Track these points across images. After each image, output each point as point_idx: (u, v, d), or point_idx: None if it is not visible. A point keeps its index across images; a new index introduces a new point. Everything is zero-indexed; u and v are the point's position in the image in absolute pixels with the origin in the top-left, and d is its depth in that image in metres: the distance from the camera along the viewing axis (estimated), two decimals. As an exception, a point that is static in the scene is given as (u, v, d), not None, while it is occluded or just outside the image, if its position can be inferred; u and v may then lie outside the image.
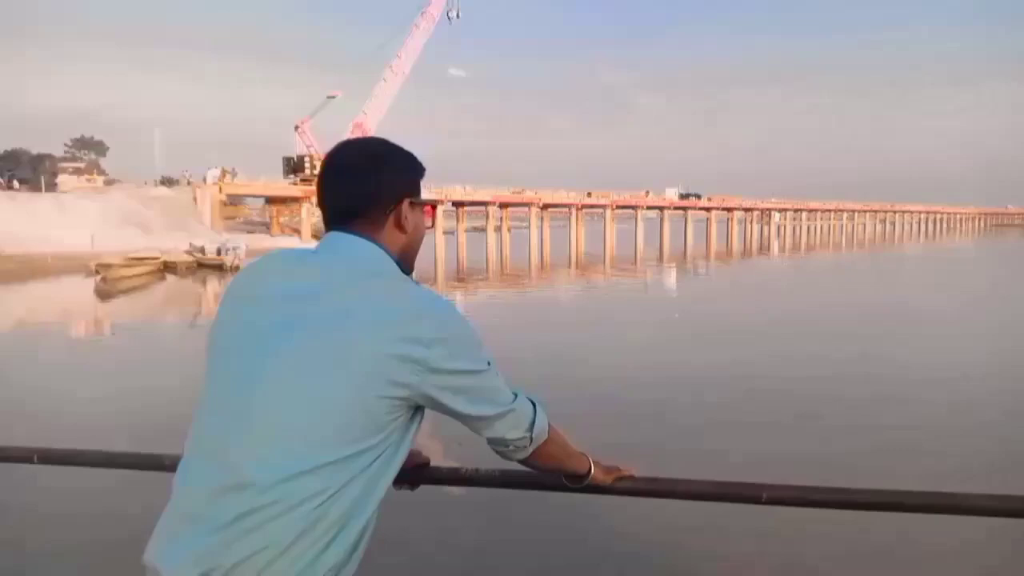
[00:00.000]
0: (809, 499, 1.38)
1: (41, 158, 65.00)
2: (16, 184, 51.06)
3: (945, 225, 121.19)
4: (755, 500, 1.41)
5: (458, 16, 57.83)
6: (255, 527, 1.02)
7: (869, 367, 13.82)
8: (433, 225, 1.43)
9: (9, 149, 64.58)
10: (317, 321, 1.09)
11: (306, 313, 1.10)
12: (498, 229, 54.23)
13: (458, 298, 28.18)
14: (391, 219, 1.24)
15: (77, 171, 55.19)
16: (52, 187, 49.83)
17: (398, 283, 1.18)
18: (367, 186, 1.23)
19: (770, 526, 6.01)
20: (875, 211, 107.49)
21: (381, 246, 1.22)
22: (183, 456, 1.15)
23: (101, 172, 56.57)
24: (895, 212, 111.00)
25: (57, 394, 12.19)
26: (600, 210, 65.33)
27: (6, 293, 28.17)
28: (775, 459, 8.25)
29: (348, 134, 57.17)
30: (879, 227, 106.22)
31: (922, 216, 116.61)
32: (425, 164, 1.34)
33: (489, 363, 1.19)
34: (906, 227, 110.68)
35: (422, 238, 1.33)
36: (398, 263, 1.24)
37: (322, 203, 1.26)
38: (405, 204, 1.26)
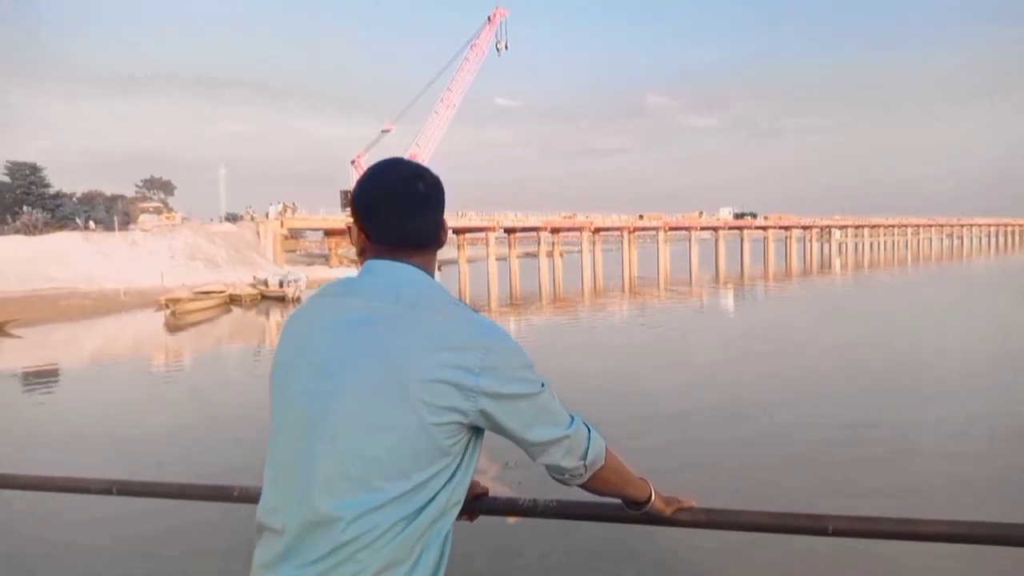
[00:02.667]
0: (876, 530, 1.34)
1: (115, 199, 68.50)
2: (92, 224, 53.83)
3: (1016, 239, 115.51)
4: (821, 532, 1.37)
5: (507, 47, 58.65)
6: (346, 559, 1.07)
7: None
8: (445, 239, 1.45)
9: (86, 191, 68.27)
10: (372, 352, 1.11)
11: (361, 345, 1.12)
12: (550, 254, 54.29)
13: (511, 324, 28.25)
14: (438, 239, 1.29)
15: (157, 210, 58.38)
16: (125, 226, 52.39)
17: (448, 308, 1.17)
18: (430, 223, 1.25)
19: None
20: (941, 225, 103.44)
21: (425, 270, 1.24)
22: (263, 492, 1.20)
23: (170, 210, 59.34)
24: (962, 226, 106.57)
25: (130, 425, 12.67)
26: (652, 232, 64.74)
27: (83, 329, 29.56)
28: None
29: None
30: (945, 242, 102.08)
31: (991, 230, 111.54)
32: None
33: (543, 384, 1.19)
34: (974, 241, 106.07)
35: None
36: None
37: (367, 228, 1.24)
38: (445, 224, 1.31)
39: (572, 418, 1.24)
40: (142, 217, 54.32)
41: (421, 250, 1.24)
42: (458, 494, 1.18)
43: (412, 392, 1.09)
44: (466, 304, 1.21)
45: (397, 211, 1.21)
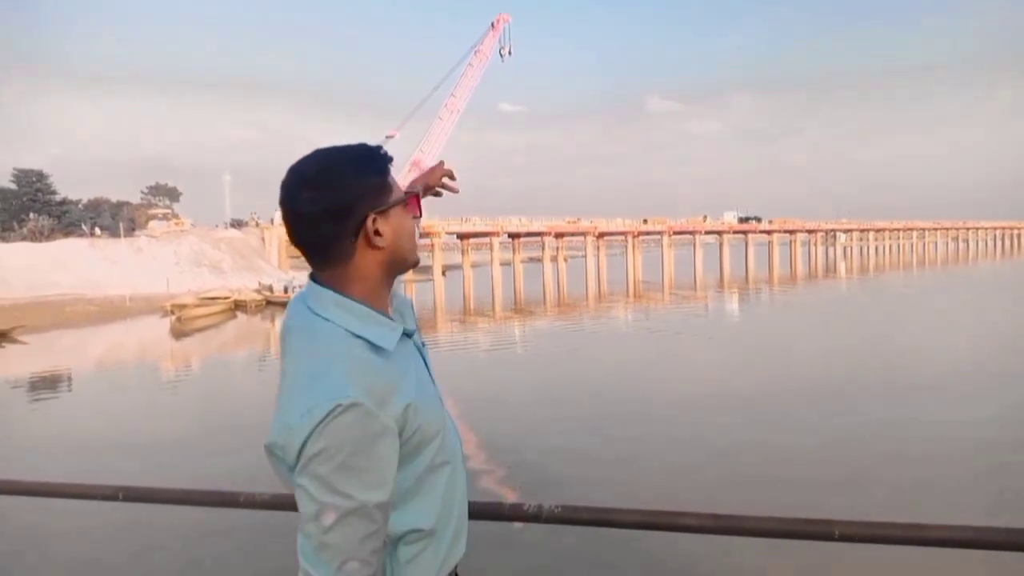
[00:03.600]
0: (882, 535, 1.34)
1: (120, 205, 68.77)
2: (97, 231, 54.04)
3: (1023, 242, 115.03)
4: (827, 537, 1.37)
5: (510, 53, 58.83)
6: None
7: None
8: (420, 213, 1.24)
9: (92, 198, 68.55)
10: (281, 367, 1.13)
11: (281, 356, 1.14)
12: (554, 259, 54.27)
13: (516, 330, 28.24)
14: (359, 245, 1.13)
15: (166, 216, 58.82)
16: (130, 233, 52.62)
17: (307, 350, 1.08)
18: (322, 237, 1.12)
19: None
20: (946, 229, 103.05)
21: (333, 288, 1.13)
22: None
23: (177, 217, 59.68)
24: (967, 229, 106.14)
25: (135, 431, 12.70)
26: (657, 237, 64.68)
27: (88, 335, 29.65)
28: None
29: (406, 172, 58.68)
30: (951, 245, 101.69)
31: (997, 233, 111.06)
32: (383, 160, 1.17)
33: (328, 506, 0.98)
34: (980, 245, 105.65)
35: (412, 234, 1.20)
36: (384, 277, 1.18)
37: None
38: (369, 222, 1.12)
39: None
40: (151, 223, 54.76)
41: (326, 266, 1.14)
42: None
43: None
44: (339, 341, 1.08)
45: (290, 227, 1.13)
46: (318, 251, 1.13)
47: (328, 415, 0.98)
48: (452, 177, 1.56)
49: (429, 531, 1.14)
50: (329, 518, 0.99)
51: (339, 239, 1.12)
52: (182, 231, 51.78)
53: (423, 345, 1.29)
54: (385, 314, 1.17)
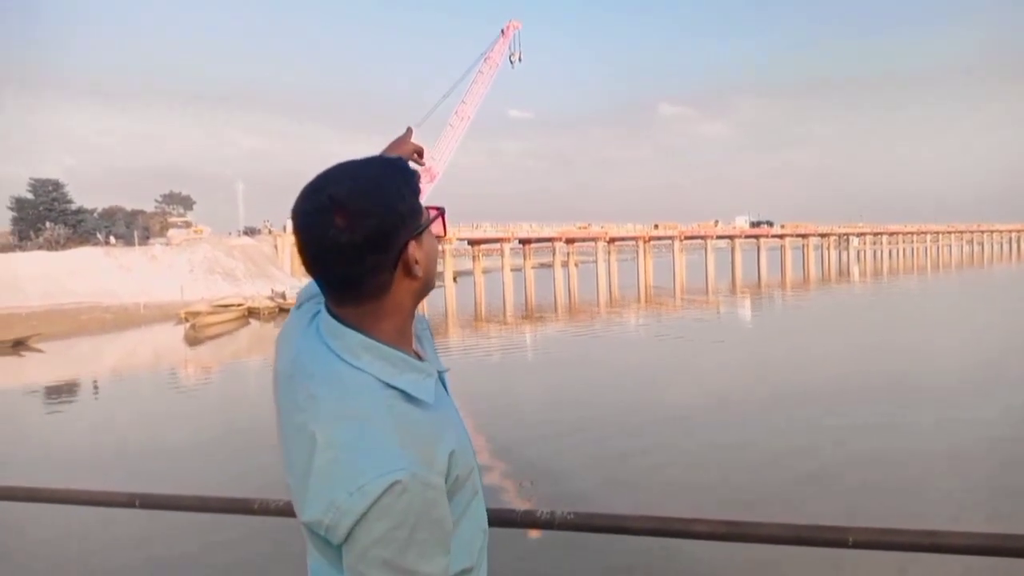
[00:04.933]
0: (897, 542, 1.33)
1: (135, 214, 69.40)
2: (112, 239, 54.60)
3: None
4: (841, 544, 1.36)
5: (520, 60, 58.87)
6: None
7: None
8: (444, 232, 1.08)
9: (107, 207, 69.22)
10: (286, 414, 1.00)
11: (283, 401, 1.02)
12: (565, 264, 54.25)
13: (527, 336, 28.22)
14: (398, 276, 0.99)
15: (185, 224, 59.70)
16: (145, 241, 53.16)
17: (349, 417, 0.93)
18: (355, 270, 0.96)
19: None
20: (960, 232, 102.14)
21: (356, 328, 0.99)
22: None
23: (190, 225, 60.34)
24: (982, 232, 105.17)
25: (151, 438, 12.78)
26: (668, 242, 64.51)
27: (104, 342, 29.91)
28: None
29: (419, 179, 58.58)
30: (966, 248, 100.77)
31: (1012, 235, 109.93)
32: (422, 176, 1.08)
33: None
34: (995, 247, 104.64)
35: (437, 256, 1.08)
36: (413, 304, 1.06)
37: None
38: (411, 247, 0.99)
39: None
40: (171, 231, 55.68)
41: (356, 302, 0.99)
42: None
43: None
44: (375, 396, 0.96)
45: (311, 257, 0.96)
46: (350, 286, 0.98)
47: (384, 493, 0.88)
48: (420, 154, 1.37)
49: (471, 568, 1.07)
50: None
51: (378, 272, 0.97)
52: (201, 238, 52.42)
53: (444, 372, 1.17)
54: (415, 356, 1.05)
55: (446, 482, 0.97)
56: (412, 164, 1.27)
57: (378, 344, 0.99)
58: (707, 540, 1.48)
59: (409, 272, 0.99)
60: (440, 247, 1.09)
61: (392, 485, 0.88)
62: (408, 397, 0.97)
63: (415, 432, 0.94)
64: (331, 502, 0.89)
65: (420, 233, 1.00)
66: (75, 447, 12.50)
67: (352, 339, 0.98)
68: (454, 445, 0.99)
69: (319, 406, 0.95)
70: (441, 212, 1.08)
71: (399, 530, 0.89)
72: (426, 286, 1.04)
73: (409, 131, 1.32)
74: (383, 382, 0.96)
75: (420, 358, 1.07)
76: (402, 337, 1.04)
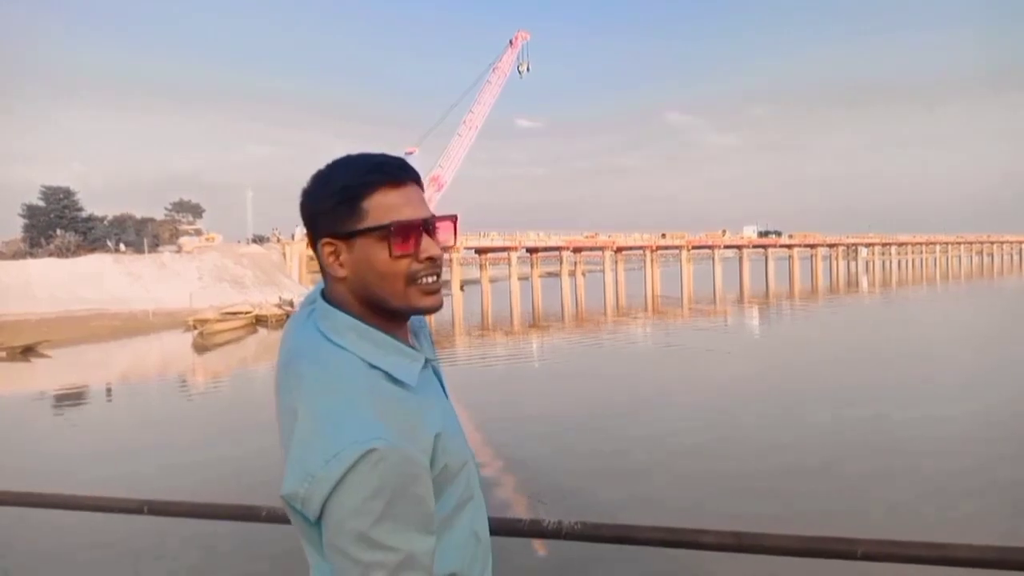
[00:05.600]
0: (906, 555, 1.32)
1: (144, 222, 69.84)
2: (122, 247, 54.96)
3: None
4: (849, 556, 1.36)
5: (528, 69, 59.21)
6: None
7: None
8: (410, 251, 1.01)
9: (117, 215, 69.72)
10: (280, 400, 1.02)
11: (279, 388, 1.03)
12: (572, 274, 54.27)
13: (534, 346, 28.19)
14: (327, 268, 1.04)
15: (197, 232, 60.26)
16: (154, 249, 53.51)
17: (329, 392, 0.95)
18: (315, 246, 1.05)
19: None
20: (970, 243, 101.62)
21: (330, 302, 1.05)
22: None
23: (190, 233, 60.86)
24: (991, 243, 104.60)
25: (159, 445, 12.82)
26: (675, 251, 64.46)
27: (113, 349, 30.06)
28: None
29: (425, 188, 58.70)
30: (975, 259, 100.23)
31: (1022, 247, 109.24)
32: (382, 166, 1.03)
33: (374, 566, 0.89)
34: (1005, 259, 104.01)
35: (386, 275, 1.01)
36: (375, 304, 1.04)
37: None
38: (322, 246, 1.03)
39: None
40: (183, 239, 56.16)
41: (326, 276, 1.05)
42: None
43: None
44: (358, 373, 0.97)
45: None
46: (319, 260, 1.05)
47: (359, 461, 0.87)
48: None
49: (463, 574, 1.04)
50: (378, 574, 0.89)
51: (319, 256, 1.04)
52: (214, 246, 52.87)
53: (439, 367, 1.19)
54: (405, 341, 1.06)
55: (432, 466, 0.96)
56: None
57: (363, 325, 1.01)
58: (715, 551, 1.48)
59: (327, 269, 1.03)
60: (447, 256, 1.08)
61: (368, 453, 0.87)
62: (391, 378, 0.98)
63: (396, 409, 0.95)
64: (306, 471, 0.89)
65: (347, 237, 1.00)
66: (82, 453, 12.54)
67: (338, 319, 1.01)
68: (440, 428, 0.99)
69: (303, 383, 0.97)
70: (405, 226, 1.02)
71: (374, 501, 0.88)
72: (366, 296, 1.02)
73: None
74: (367, 362, 0.98)
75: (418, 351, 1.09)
76: (391, 324, 1.05)
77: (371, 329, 1.01)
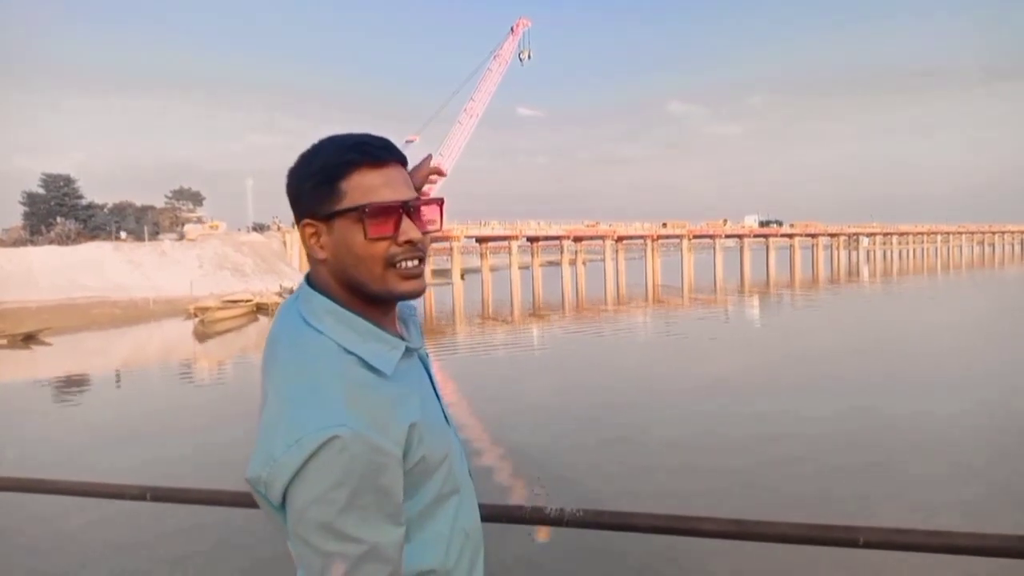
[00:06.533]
0: (907, 542, 1.33)
1: (144, 209, 69.74)
2: (123, 234, 54.93)
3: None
4: (851, 544, 1.36)
5: (529, 57, 58.87)
6: None
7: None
8: (394, 231, 0.98)
9: (117, 202, 69.62)
10: (263, 385, 1.01)
11: (262, 373, 1.02)
12: (573, 263, 54.23)
13: (535, 334, 28.21)
14: (309, 248, 1.02)
15: (200, 220, 60.31)
16: (154, 236, 53.49)
17: (300, 375, 0.93)
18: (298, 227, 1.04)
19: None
20: (971, 233, 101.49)
21: (314, 286, 1.03)
22: None
23: (194, 221, 60.87)
24: (993, 233, 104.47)
25: (160, 432, 12.86)
26: (676, 241, 64.39)
27: (113, 337, 30.10)
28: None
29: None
30: (976, 249, 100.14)
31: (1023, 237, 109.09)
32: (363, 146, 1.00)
33: (336, 556, 0.87)
34: (1006, 248, 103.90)
35: (364, 257, 0.98)
36: (357, 288, 1.01)
37: None
38: (303, 228, 1.01)
39: None
40: (187, 226, 56.16)
41: (309, 258, 1.04)
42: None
43: None
44: (331, 357, 0.95)
45: None
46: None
47: (321, 448, 0.85)
48: (439, 173, 1.30)
49: (442, 570, 1.00)
50: (339, 570, 0.86)
51: (303, 237, 1.02)
52: (214, 234, 52.88)
53: (426, 356, 1.15)
54: (387, 329, 1.02)
55: (407, 457, 0.94)
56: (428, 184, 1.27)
57: (342, 309, 0.99)
58: (716, 538, 1.48)
59: (309, 251, 1.01)
60: (441, 239, 1.03)
61: (331, 440, 0.85)
62: (367, 365, 0.95)
63: (368, 397, 0.92)
64: (269, 455, 0.87)
65: (326, 218, 0.98)
66: (84, 440, 12.58)
67: (317, 303, 1.00)
68: (417, 419, 0.96)
69: (276, 367, 0.96)
70: (381, 209, 0.98)
71: (337, 491, 0.85)
72: (346, 278, 0.99)
73: (429, 157, 1.32)
74: (343, 347, 0.95)
75: (402, 339, 1.05)
76: (373, 308, 1.01)
77: (350, 314, 0.99)
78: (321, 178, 0.98)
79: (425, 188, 1.18)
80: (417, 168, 1.29)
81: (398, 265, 0.99)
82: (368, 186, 0.97)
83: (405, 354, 1.02)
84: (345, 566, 0.86)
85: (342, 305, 0.99)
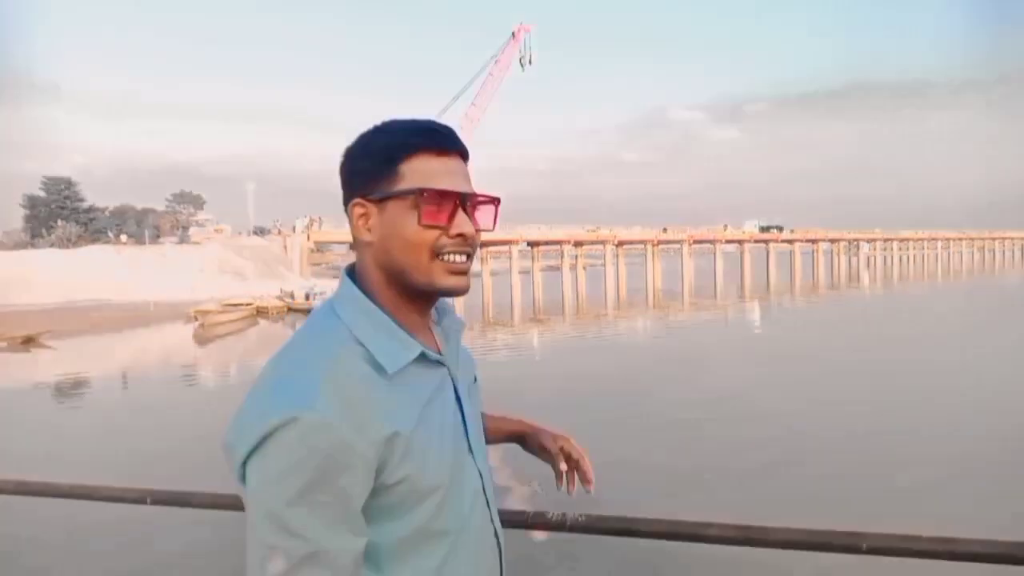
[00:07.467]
0: (914, 549, 1.31)
1: (145, 212, 69.83)
2: (124, 238, 54.98)
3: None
4: (855, 550, 1.35)
5: (530, 62, 59.09)
6: None
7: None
8: (447, 222, 0.94)
9: (118, 205, 69.69)
10: None
11: None
12: (573, 267, 54.25)
13: (535, 339, 28.18)
14: (356, 229, 0.98)
15: (198, 223, 60.66)
16: (155, 240, 53.56)
17: (298, 349, 0.92)
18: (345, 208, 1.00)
19: None
20: (972, 239, 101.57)
21: (350, 275, 1.00)
22: None
23: (199, 224, 60.98)
24: (993, 239, 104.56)
25: (161, 437, 12.83)
26: (676, 246, 64.44)
27: (114, 340, 30.08)
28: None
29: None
30: (976, 256, 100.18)
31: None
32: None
33: (278, 551, 0.80)
34: (1006, 255, 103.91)
35: (411, 244, 0.94)
36: (398, 277, 0.96)
37: None
38: (353, 208, 0.97)
39: None
40: (192, 229, 56.50)
41: (354, 241, 0.99)
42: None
43: None
44: (336, 341, 0.91)
45: None
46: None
47: (281, 427, 0.79)
48: (585, 474, 1.24)
49: None
50: (277, 566, 0.80)
51: (349, 219, 0.98)
52: (218, 238, 53.04)
53: (474, 382, 1.10)
54: (406, 327, 0.96)
55: (384, 470, 0.86)
56: (562, 466, 1.24)
57: (368, 301, 0.95)
58: (719, 544, 1.47)
59: (357, 232, 0.96)
60: (476, 244, 0.96)
61: (293, 420, 0.80)
62: (372, 360, 0.89)
63: (355, 389, 0.85)
64: (238, 423, 0.84)
65: (379, 200, 0.94)
66: (84, 444, 12.56)
67: (347, 289, 0.97)
68: (404, 430, 0.87)
69: (286, 341, 0.94)
70: (436, 195, 0.94)
71: (290, 477, 0.79)
72: (388, 263, 0.95)
73: (566, 439, 1.26)
74: (354, 336, 0.91)
75: (439, 351, 1.01)
76: (407, 301, 0.97)
77: (372, 306, 0.95)
78: (381, 158, 0.95)
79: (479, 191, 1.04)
80: (542, 431, 1.25)
81: (445, 257, 0.95)
82: (428, 172, 0.94)
83: (424, 363, 0.96)
84: (284, 564, 0.79)
85: (372, 296, 0.96)
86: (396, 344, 0.92)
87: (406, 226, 0.93)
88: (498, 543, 1.04)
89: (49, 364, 24.32)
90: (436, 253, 0.94)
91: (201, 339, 29.62)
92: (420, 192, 0.92)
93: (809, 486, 9.01)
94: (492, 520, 1.03)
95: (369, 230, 0.95)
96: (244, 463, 0.82)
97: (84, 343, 28.75)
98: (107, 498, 2.09)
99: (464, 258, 0.96)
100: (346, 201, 0.97)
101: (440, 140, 0.96)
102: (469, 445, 1.00)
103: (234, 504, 1.92)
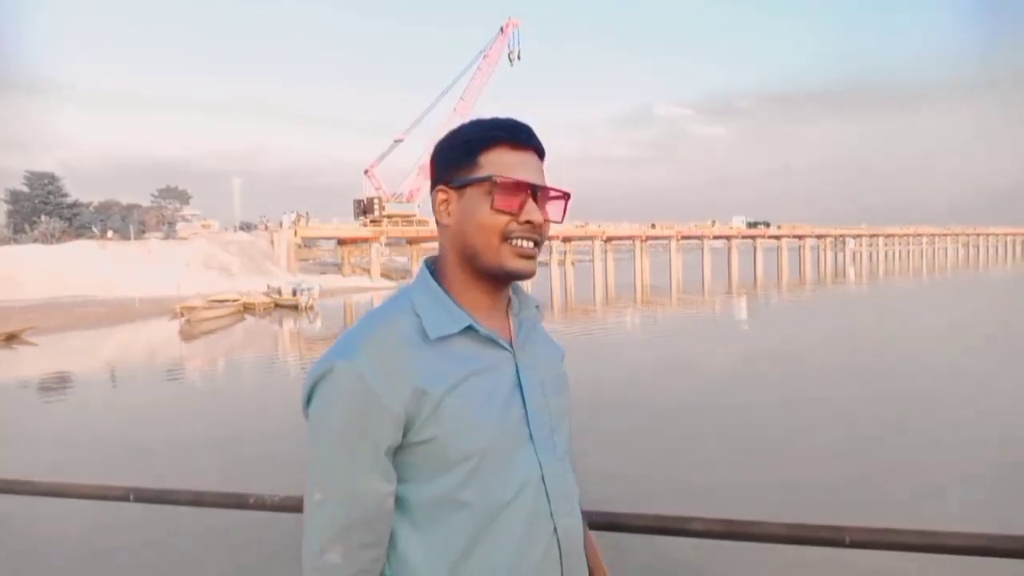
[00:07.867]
0: (894, 542, 1.32)
1: (130, 208, 69.20)
2: (108, 233, 54.47)
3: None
4: (838, 543, 1.36)
5: (519, 57, 58.99)
6: None
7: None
8: (518, 209, 1.01)
9: (102, 201, 69.04)
10: None
11: None
12: (562, 263, 54.29)
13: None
14: (439, 214, 1.07)
15: (184, 218, 60.19)
16: (140, 235, 53.07)
17: (369, 312, 1.05)
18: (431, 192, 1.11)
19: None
20: (956, 235, 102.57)
21: (431, 262, 1.10)
22: None
23: (186, 219, 60.43)
24: (978, 235, 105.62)
25: (144, 434, 12.74)
26: (665, 241, 64.63)
27: (98, 336, 29.81)
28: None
29: (413, 176, 58.73)
30: (961, 251, 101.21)
31: (1008, 239, 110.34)
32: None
33: (322, 488, 0.95)
34: (991, 251, 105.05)
35: (485, 228, 1.01)
36: (469, 260, 1.04)
37: None
38: (436, 194, 1.06)
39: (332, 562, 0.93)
40: (179, 224, 55.87)
41: (438, 225, 1.09)
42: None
43: None
44: (395, 308, 1.02)
45: None
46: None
47: (326, 374, 0.94)
48: None
49: None
50: (316, 495, 0.94)
51: (433, 203, 1.08)
52: (204, 233, 52.58)
53: (562, 377, 1.14)
54: (469, 311, 1.02)
55: (412, 426, 0.93)
56: None
57: (433, 281, 1.05)
58: (703, 538, 1.48)
59: (439, 215, 1.06)
60: (541, 235, 1.05)
61: (331, 370, 0.93)
62: (419, 327, 0.98)
63: (396, 349, 0.95)
64: (312, 369, 0.97)
65: (459, 187, 1.03)
66: (66, 441, 12.45)
67: (423, 272, 1.07)
68: (436, 389, 0.94)
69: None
70: (509, 184, 1.02)
71: (330, 420, 0.93)
72: (463, 245, 1.03)
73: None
74: (413, 307, 1.01)
75: (511, 340, 1.06)
76: (478, 283, 1.05)
77: (435, 285, 1.04)
78: (463, 149, 1.05)
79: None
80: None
81: (514, 242, 1.02)
82: (504, 163, 1.03)
83: (477, 340, 1.02)
84: (320, 495, 0.94)
85: (445, 276, 1.06)
86: (445, 315, 1.01)
87: (480, 210, 1.02)
88: (558, 541, 1.02)
89: (32, 361, 24.07)
90: (505, 237, 1.02)
91: (187, 335, 29.42)
92: (494, 180, 1.01)
93: (794, 486, 9.08)
94: (552, 516, 1.02)
95: (449, 214, 1.05)
96: (306, 404, 0.97)
97: (68, 339, 28.47)
98: (89, 496, 2.08)
99: (531, 244, 1.04)
100: (432, 188, 1.08)
101: (516, 135, 1.06)
102: (530, 433, 1.02)
103: (217, 501, 1.91)
